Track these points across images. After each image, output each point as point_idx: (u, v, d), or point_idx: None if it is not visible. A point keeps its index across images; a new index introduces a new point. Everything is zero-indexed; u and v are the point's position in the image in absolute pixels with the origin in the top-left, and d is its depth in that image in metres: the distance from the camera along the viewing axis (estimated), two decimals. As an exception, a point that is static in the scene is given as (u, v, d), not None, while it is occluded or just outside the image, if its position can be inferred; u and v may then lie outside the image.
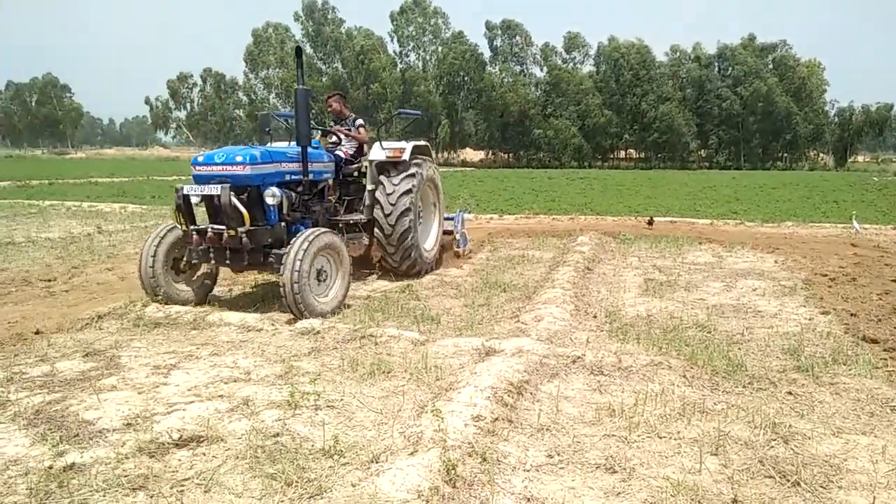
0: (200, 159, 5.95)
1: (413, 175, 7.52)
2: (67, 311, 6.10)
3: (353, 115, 8.09)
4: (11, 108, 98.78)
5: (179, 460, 3.12)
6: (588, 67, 76.91)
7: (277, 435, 3.38)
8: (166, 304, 5.98)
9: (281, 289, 5.52)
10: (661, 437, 3.40)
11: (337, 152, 7.71)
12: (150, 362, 4.59)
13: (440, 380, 4.18)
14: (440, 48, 77.27)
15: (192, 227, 5.93)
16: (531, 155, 72.20)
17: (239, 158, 5.80)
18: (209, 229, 5.81)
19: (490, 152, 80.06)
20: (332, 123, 8.14)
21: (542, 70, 77.46)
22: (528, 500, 2.78)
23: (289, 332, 5.32)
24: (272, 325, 5.54)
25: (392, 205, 7.27)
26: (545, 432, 3.45)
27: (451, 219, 9.48)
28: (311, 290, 5.66)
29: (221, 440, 3.33)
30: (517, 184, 28.63)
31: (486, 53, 77.19)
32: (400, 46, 77.88)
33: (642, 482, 2.95)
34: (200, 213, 6.08)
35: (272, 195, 5.90)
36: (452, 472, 2.88)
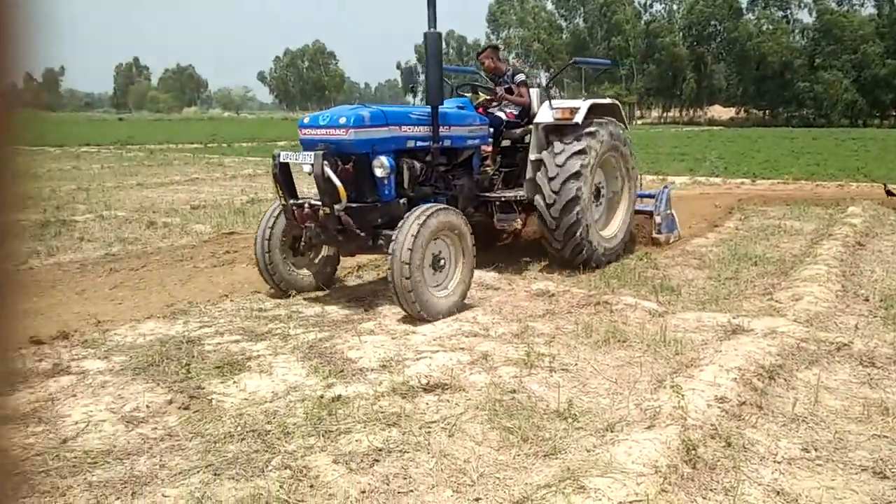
0: (306, 121, 5.12)
1: (587, 141, 6.02)
2: (333, 259, 6.85)
3: (512, 69, 6.87)
4: (286, 74, 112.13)
5: (427, 404, 3.40)
6: (869, 10, 66.43)
7: (514, 391, 3.52)
8: (285, 291, 5.34)
9: (389, 279, 4.62)
10: (947, 447, 2.94)
11: (497, 113, 6.58)
12: (401, 311, 5.01)
13: (680, 354, 4.01)
14: (690, -4, 71.94)
15: (291, 200, 5.04)
16: (791, 112, 64.91)
17: (342, 120, 4.86)
18: (306, 204, 4.93)
19: (742, 109, 73.47)
20: (488, 82, 7.09)
21: (810, 15, 68.60)
22: (778, 493, 2.59)
23: (525, 293, 5.45)
24: (509, 285, 5.72)
25: (555, 192, 5.88)
26: (800, 423, 3.16)
27: (651, 196, 7.64)
28: (426, 282, 4.69)
29: (463, 390, 3.55)
30: (774, 144, 25.99)
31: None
32: (646, -3, 73.94)
33: (920, 494, 2.58)
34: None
35: (381, 166, 4.91)
36: (692, 452, 2.77)
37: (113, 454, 2.88)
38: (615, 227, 6.73)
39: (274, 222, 5.27)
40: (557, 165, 5.89)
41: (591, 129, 6.11)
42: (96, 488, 2.62)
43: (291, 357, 4.06)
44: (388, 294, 5.49)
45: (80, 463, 2.81)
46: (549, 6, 78.07)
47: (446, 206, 4.97)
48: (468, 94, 6.56)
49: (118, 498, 2.56)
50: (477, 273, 5.98)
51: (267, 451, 2.91)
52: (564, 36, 75.99)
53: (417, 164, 5.32)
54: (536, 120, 6.27)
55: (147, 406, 3.35)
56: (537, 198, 6.00)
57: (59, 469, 2.75)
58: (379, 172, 4.92)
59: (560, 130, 6.12)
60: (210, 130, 37.89)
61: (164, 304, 5.14)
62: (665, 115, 78.27)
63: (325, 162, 4.69)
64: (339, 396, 3.45)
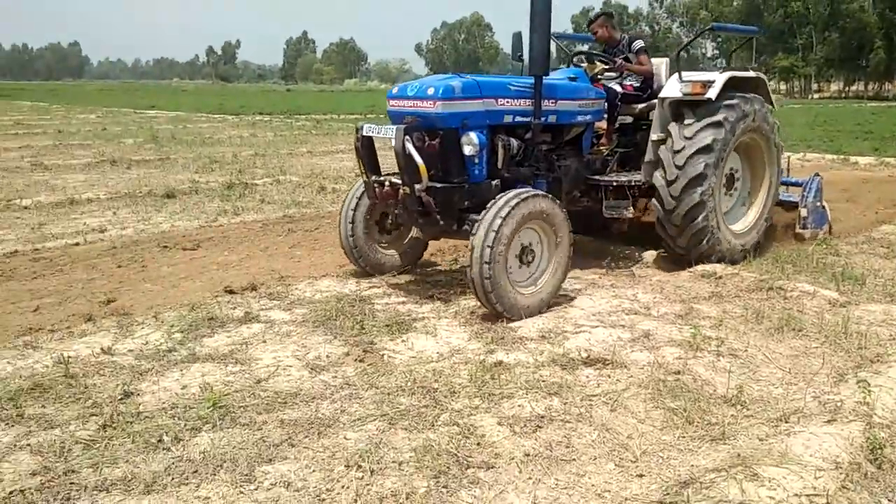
0: (395, 91, 4.74)
1: (719, 124, 5.14)
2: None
3: (628, 37, 6.11)
4: (442, 47, 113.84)
5: (587, 377, 3.43)
6: None
7: (678, 373, 3.45)
8: (369, 273, 5.14)
9: (467, 269, 4.18)
10: None
11: (611, 85, 5.86)
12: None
13: (864, 348, 3.73)
14: (887, -44, 64.29)
15: (373, 177, 4.70)
16: None
17: (430, 91, 4.41)
18: (387, 182, 4.58)
19: (942, 82, 64.94)
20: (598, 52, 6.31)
21: None
22: (981, 505, 2.37)
23: (688, 274, 5.27)
24: (671, 263, 5.55)
25: (678, 167, 5.09)
26: None
27: (798, 184, 6.52)
28: (509, 277, 4.20)
29: (624, 367, 3.54)
30: (981, 123, 22.81)
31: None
32: (833, -41, 66.89)
33: None
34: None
35: (469, 143, 4.45)
36: (878, 451, 2.61)
37: (300, 396, 3.19)
38: (748, 222, 5.82)
39: (357, 203, 4.99)
40: (685, 137, 5.14)
41: (732, 101, 5.29)
42: (287, 426, 2.91)
43: (454, 321, 4.23)
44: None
45: (272, 402, 3.13)
46: (721, -30, 73.01)
47: (540, 192, 4.43)
48: (584, 65, 5.94)
49: (307, 436, 2.83)
50: (639, 250, 5.87)
51: (436, 406, 3.08)
52: (735, 3, 70.72)
53: (515, 142, 4.83)
54: (662, 94, 5.49)
55: (327, 356, 3.66)
56: (656, 174, 5.26)
57: (256, 406, 3.09)
58: (467, 150, 4.48)
59: (688, 108, 5.32)
60: (369, 102, 39.43)
61: (337, 265, 5.52)
62: (847, 88, 71.01)
63: (408, 137, 4.29)
64: (501, 362, 3.57)
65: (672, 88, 5.40)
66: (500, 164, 4.77)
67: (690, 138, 5.13)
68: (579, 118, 5.33)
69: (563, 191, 5.29)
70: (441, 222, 4.58)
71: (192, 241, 6.18)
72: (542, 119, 4.91)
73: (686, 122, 5.22)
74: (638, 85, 6.01)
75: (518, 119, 4.83)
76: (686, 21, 74.01)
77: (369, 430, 2.88)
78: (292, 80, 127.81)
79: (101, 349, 3.69)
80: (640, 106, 5.94)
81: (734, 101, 5.29)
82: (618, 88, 5.87)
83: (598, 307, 4.53)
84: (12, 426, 2.90)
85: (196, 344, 3.82)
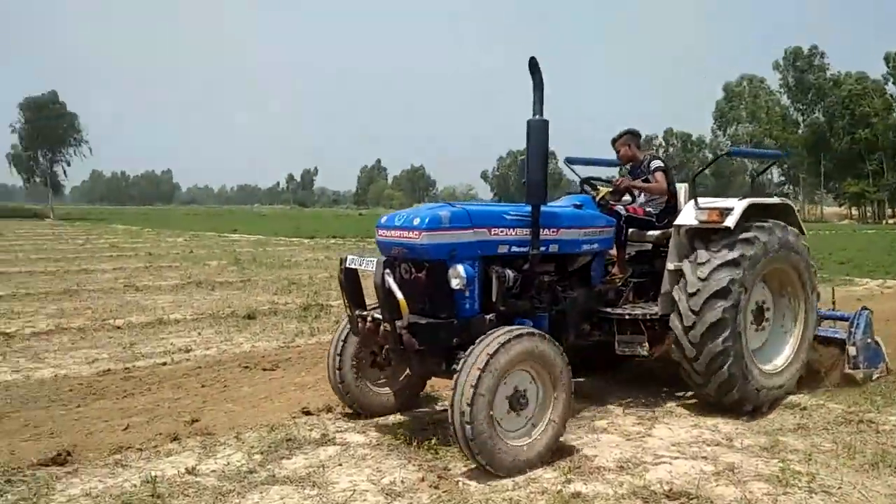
0: (383, 220, 4.48)
1: (736, 262, 4.74)
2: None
3: (649, 156, 5.86)
4: (508, 173, 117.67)
5: (671, 512, 3.30)
6: None
7: (768, 510, 3.29)
8: (359, 413, 4.77)
9: (448, 418, 3.74)
10: None
11: (617, 208, 5.49)
12: (634, 412, 4.95)
13: (972, 490, 3.48)
14: (956, 82, 64.08)
15: (357, 311, 4.47)
16: None
17: (416, 221, 4.14)
18: (369, 317, 4.32)
19: None
20: (625, 174, 6.07)
21: None
22: None
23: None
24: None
25: (695, 313, 4.68)
26: None
27: (845, 319, 5.94)
28: (498, 427, 3.74)
29: (710, 502, 3.40)
30: None
31: None
32: (899, 88, 67.13)
33: None
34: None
35: (457, 276, 4.06)
36: None
37: (376, 522, 3.18)
38: (783, 360, 5.32)
39: (346, 336, 4.72)
40: (699, 279, 4.73)
41: (749, 234, 4.89)
42: (364, 552, 2.91)
43: (529, 449, 4.17)
44: (618, 392, 5.45)
45: (348, 527, 3.14)
46: (785, 100, 74.03)
47: (536, 330, 4.01)
48: (592, 192, 5.61)
49: (383, 564, 2.81)
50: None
51: (514, 538, 3.02)
52: (801, 131, 71.14)
53: (511, 274, 4.40)
54: (678, 221, 5.17)
55: (402, 481, 3.66)
56: (673, 317, 4.86)
57: (333, 530, 3.11)
58: (455, 283, 4.08)
59: (707, 236, 4.98)
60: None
61: (410, 387, 5.57)
62: (922, 214, 68.85)
63: (388, 270, 4.07)
64: (579, 493, 3.49)
65: (688, 216, 5.12)
66: (494, 298, 4.34)
67: (705, 280, 4.72)
68: (585, 247, 4.97)
69: (570, 325, 4.91)
70: (428, 361, 4.26)
71: (270, 362, 6.40)
72: (543, 249, 4.57)
73: (700, 259, 4.84)
74: (656, 211, 5.68)
75: (514, 249, 4.49)
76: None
77: (447, 560, 2.84)
78: (364, 205, 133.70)
79: (186, 469, 3.81)
80: (657, 233, 5.59)
81: (751, 234, 4.91)
82: (621, 210, 5.49)
83: (677, 437, 4.41)
84: (102, 544, 3.00)
85: (275, 465, 3.89)
